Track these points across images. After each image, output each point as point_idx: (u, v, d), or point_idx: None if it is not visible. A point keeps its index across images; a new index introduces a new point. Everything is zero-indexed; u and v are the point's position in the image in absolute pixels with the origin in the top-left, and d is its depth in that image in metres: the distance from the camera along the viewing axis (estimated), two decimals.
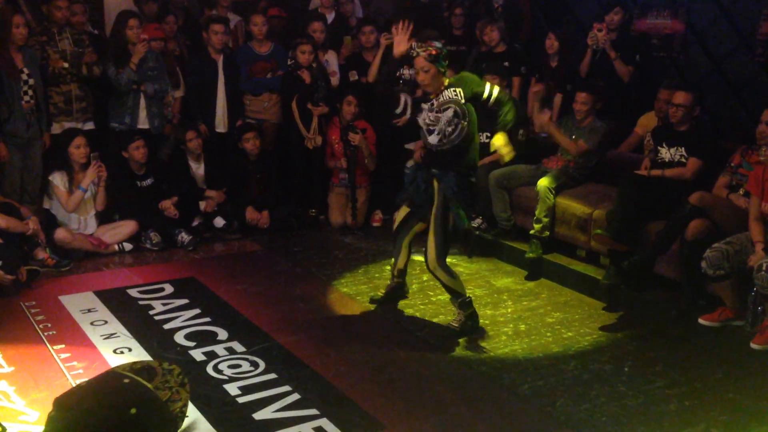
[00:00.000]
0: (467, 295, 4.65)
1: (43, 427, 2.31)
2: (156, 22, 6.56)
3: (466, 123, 4.45)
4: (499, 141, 4.61)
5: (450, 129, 4.46)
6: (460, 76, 4.60)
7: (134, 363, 1.75)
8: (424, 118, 4.55)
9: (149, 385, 1.78)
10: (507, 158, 4.67)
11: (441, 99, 4.48)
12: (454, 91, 4.47)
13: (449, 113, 4.44)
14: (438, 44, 4.47)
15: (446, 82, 4.50)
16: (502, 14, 7.31)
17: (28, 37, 5.76)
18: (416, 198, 4.64)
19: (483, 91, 4.51)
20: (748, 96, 6.18)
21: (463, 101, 4.44)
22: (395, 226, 4.88)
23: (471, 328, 4.61)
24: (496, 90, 4.55)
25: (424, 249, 4.60)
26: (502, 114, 4.61)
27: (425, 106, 4.54)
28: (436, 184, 4.55)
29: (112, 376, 1.73)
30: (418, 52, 4.43)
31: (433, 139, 4.53)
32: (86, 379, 1.54)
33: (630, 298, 5.00)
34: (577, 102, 5.79)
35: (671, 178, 5.07)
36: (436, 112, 4.49)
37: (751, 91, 6.16)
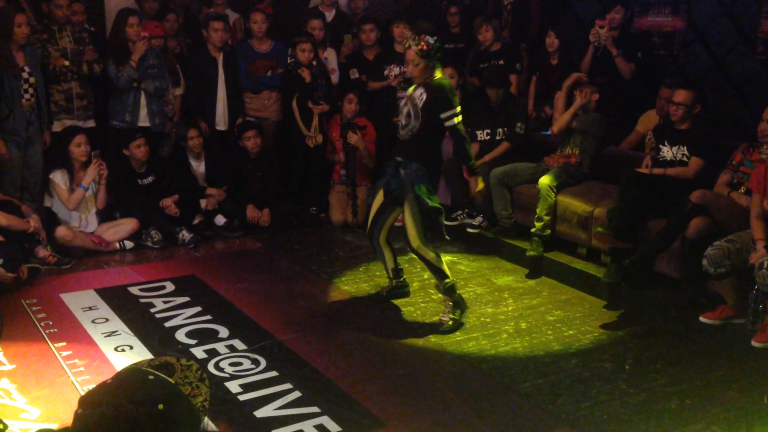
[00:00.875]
0: (451, 278, 4.67)
1: (55, 426, 2.30)
2: (156, 20, 6.55)
3: (415, 124, 4.53)
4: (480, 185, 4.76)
5: (405, 122, 4.60)
6: (439, 84, 4.53)
7: (152, 360, 1.77)
8: (401, 106, 4.71)
9: (173, 381, 1.79)
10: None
11: (417, 92, 4.56)
12: (422, 94, 4.52)
13: (405, 110, 4.58)
14: (431, 39, 4.48)
15: (436, 75, 4.53)
16: (511, 12, 7.30)
17: (29, 36, 5.75)
18: (391, 184, 4.67)
19: (446, 115, 4.48)
20: (748, 94, 6.17)
21: (419, 106, 4.50)
22: (369, 219, 4.91)
23: (461, 315, 4.64)
24: (458, 122, 4.52)
25: (404, 234, 4.64)
26: (466, 154, 4.63)
27: (414, 90, 4.62)
28: (402, 171, 4.59)
29: (136, 372, 1.74)
30: (411, 44, 4.46)
31: (400, 127, 4.66)
32: (110, 378, 1.56)
33: (631, 296, 5.00)
34: (577, 99, 5.80)
35: (672, 177, 5.07)
36: (404, 104, 4.62)
37: (752, 89, 6.15)
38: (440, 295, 4.73)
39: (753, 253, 4.24)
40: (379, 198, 4.81)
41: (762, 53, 6.08)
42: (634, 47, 6.34)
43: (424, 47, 4.43)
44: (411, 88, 4.68)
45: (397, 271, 5.07)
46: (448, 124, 4.51)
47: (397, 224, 4.87)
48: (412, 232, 4.56)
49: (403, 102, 4.68)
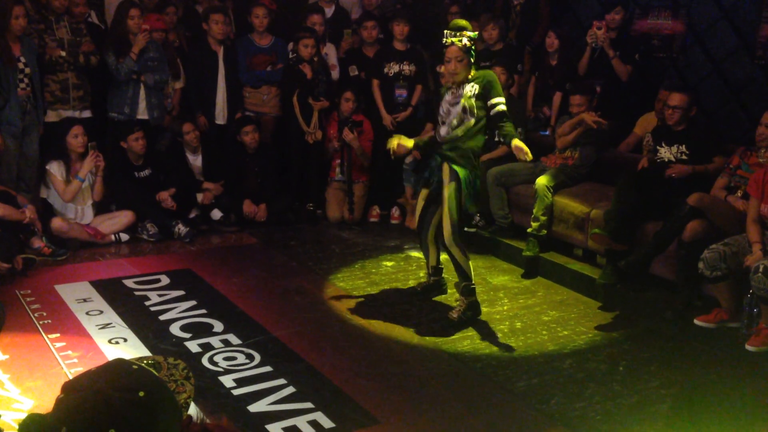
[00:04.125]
0: (474, 282, 4.68)
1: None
2: (156, 12, 6.53)
3: (472, 120, 4.51)
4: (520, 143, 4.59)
5: (455, 123, 4.54)
6: (486, 73, 4.63)
7: (140, 358, 1.77)
8: (440, 108, 4.63)
9: (157, 374, 1.79)
10: (529, 156, 4.54)
11: (460, 91, 4.53)
12: (473, 85, 4.51)
13: (458, 108, 4.51)
14: (472, 34, 4.49)
15: (472, 74, 4.53)
16: (520, 13, 7.30)
17: (26, 27, 5.73)
18: (432, 176, 4.67)
19: (495, 100, 4.51)
20: (747, 98, 6.18)
21: (473, 98, 4.48)
22: (416, 220, 4.91)
23: (471, 318, 4.64)
24: (503, 107, 4.54)
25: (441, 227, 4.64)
26: (506, 128, 4.56)
27: (447, 95, 4.60)
28: (446, 167, 4.58)
29: (121, 362, 1.74)
30: (453, 41, 4.43)
31: (442, 131, 4.61)
32: (94, 367, 1.56)
33: (626, 297, 5.00)
34: (572, 105, 5.84)
35: (670, 178, 5.06)
36: (449, 105, 4.56)
37: (751, 93, 6.16)
38: (458, 294, 4.72)
39: (749, 256, 4.25)
40: (422, 199, 4.82)
41: (761, 58, 6.09)
42: (632, 49, 6.34)
43: (468, 43, 4.43)
44: (446, 89, 4.62)
45: (437, 270, 5.08)
46: (499, 108, 4.48)
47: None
48: (448, 229, 4.56)
49: (447, 103, 4.59)
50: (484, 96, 4.50)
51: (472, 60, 4.52)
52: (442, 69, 4.78)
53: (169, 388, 1.99)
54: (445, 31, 4.53)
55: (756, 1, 6.08)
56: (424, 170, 4.78)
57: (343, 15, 7.41)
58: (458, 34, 4.45)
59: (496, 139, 6.23)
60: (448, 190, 4.57)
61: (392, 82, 6.76)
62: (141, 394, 1.74)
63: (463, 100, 4.50)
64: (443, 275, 5.15)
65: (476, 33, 4.53)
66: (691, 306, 4.68)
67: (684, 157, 5.09)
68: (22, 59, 5.69)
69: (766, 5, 6.01)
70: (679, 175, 4.97)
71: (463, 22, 4.57)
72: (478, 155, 4.72)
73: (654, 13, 6.81)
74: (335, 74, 6.98)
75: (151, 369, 1.94)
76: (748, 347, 4.25)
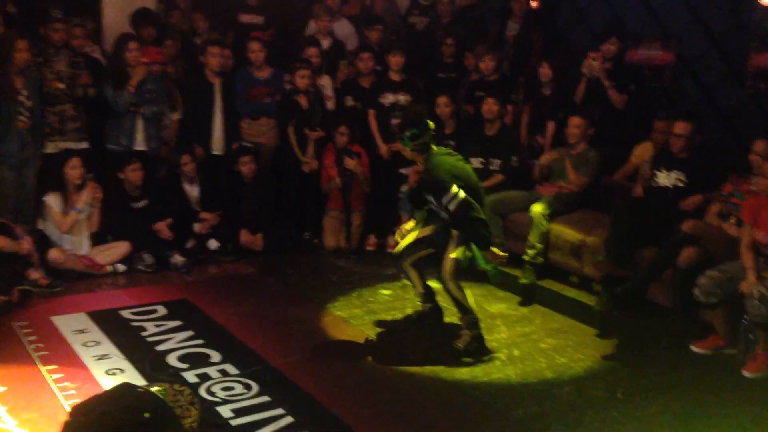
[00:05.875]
0: (476, 314, 4.68)
1: None
2: (155, 45, 6.61)
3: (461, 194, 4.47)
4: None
5: (444, 214, 4.58)
6: (431, 168, 4.57)
7: (147, 385, 1.80)
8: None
9: (162, 397, 1.82)
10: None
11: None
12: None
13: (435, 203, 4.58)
14: (414, 130, 4.54)
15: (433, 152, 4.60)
16: (513, 45, 7.40)
17: (29, 60, 5.78)
18: (438, 239, 4.73)
19: (445, 201, 4.48)
20: (738, 126, 6.27)
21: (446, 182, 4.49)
22: (399, 247, 4.90)
23: (476, 349, 4.63)
24: (453, 203, 4.46)
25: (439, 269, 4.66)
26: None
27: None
28: (455, 233, 4.63)
29: (127, 386, 1.76)
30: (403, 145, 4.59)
31: (442, 215, 4.64)
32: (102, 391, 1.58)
33: (623, 324, 5.02)
34: (570, 126, 5.89)
35: (664, 205, 5.10)
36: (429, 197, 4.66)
37: (741, 121, 6.25)
38: (462, 326, 4.71)
39: (744, 282, 4.28)
40: (409, 237, 4.85)
41: (750, 87, 6.19)
42: (628, 79, 6.43)
43: (414, 141, 4.54)
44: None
45: (427, 296, 5.02)
46: (451, 207, 4.47)
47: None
48: (447, 266, 4.58)
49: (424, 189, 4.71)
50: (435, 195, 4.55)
51: (425, 145, 4.57)
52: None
53: (174, 412, 2.01)
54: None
55: (744, 32, 6.20)
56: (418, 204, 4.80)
57: (339, 47, 7.51)
58: (402, 136, 4.57)
59: (491, 168, 6.30)
60: (456, 249, 4.58)
61: (388, 112, 6.83)
62: (146, 415, 1.77)
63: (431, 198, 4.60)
64: (435, 302, 5.11)
65: (416, 131, 4.54)
66: (688, 332, 4.69)
67: (680, 183, 5.14)
68: (24, 92, 5.73)
69: (754, 35, 6.12)
70: (694, 206, 5.01)
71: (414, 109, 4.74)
72: (485, 225, 4.64)
73: (645, 44, 6.93)
74: (330, 104, 7.05)
75: (155, 392, 1.98)
76: (744, 373, 4.27)
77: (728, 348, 4.54)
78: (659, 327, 4.88)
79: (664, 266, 4.77)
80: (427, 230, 4.84)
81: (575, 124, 5.84)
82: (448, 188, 4.45)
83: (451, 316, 4.98)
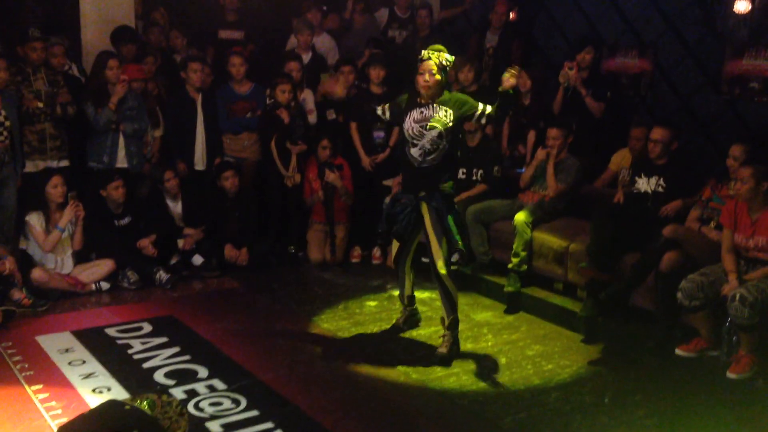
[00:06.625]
0: (457, 314, 4.76)
1: None
2: (135, 62, 6.60)
3: (446, 144, 4.55)
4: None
5: (430, 148, 4.56)
6: (455, 96, 4.68)
7: (134, 397, 1.79)
8: (408, 128, 4.61)
9: (149, 412, 1.81)
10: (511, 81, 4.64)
11: (429, 113, 4.55)
12: (445, 110, 4.56)
13: (434, 133, 4.54)
14: (449, 56, 4.58)
15: (444, 96, 4.60)
16: (492, 56, 7.47)
17: (6, 80, 5.75)
18: (399, 229, 4.73)
19: (476, 110, 4.60)
20: (715, 132, 6.37)
21: (450, 123, 4.54)
22: (392, 258, 4.96)
23: (456, 352, 4.69)
24: (490, 108, 4.62)
25: (429, 259, 4.68)
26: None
27: (414, 113, 4.59)
28: (425, 206, 4.63)
29: (113, 404, 1.75)
30: (429, 55, 4.53)
31: (414, 152, 4.60)
32: (87, 410, 1.57)
33: (608, 329, 5.06)
34: (549, 138, 5.96)
35: (645, 210, 5.16)
36: (421, 127, 4.56)
37: (718, 128, 6.35)
38: (443, 330, 4.75)
39: (725, 286, 4.34)
40: (395, 245, 4.91)
41: (726, 93, 6.30)
42: (604, 87, 6.51)
43: (444, 62, 4.53)
44: (409, 104, 4.63)
45: (411, 299, 5.15)
46: (487, 113, 4.59)
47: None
48: (440, 260, 4.60)
49: (415, 123, 4.57)
50: (461, 119, 4.59)
51: (444, 81, 4.59)
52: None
53: (162, 425, 2.01)
54: (423, 51, 4.61)
55: (719, 40, 6.32)
56: (394, 220, 4.74)
57: (319, 61, 7.55)
58: (436, 52, 4.56)
59: (474, 178, 6.35)
60: (431, 224, 4.60)
61: (370, 124, 6.86)
62: None
63: (438, 125, 4.52)
64: (416, 305, 5.22)
65: (453, 57, 4.60)
66: (672, 336, 4.75)
67: (660, 189, 5.20)
68: (2, 112, 5.70)
69: (728, 43, 6.24)
70: (673, 211, 5.07)
71: (441, 46, 4.64)
72: (453, 196, 4.80)
73: (621, 52, 7.04)
74: (313, 119, 7.07)
75: (144, 407, 1.97)
76: (729, 375, 4.32)
77: (712, 350, 4.59)
78: (644, 331, 4.93)
79: (647, 271, 4.83)
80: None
81: (552, 135, 5.91)
82: (474, 103, 4.61)
83: (427, 324, 5.14)
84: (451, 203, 4.73)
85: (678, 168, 5.24)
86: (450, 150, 4.60)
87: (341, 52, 7.70)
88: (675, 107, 6.64)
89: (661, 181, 5.19)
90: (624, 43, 7.01)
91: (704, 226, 4.90)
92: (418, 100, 4.62)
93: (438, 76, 4.52)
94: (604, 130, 6.43)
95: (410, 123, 4.60)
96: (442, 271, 4.61)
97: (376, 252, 6.85)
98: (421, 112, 4.59)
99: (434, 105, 4.58)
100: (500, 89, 4.61)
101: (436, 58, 4.52)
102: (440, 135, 4.54)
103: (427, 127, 4.55)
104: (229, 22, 7.69)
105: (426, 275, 4.93)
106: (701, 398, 4.22)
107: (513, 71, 4.62)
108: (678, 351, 4.65)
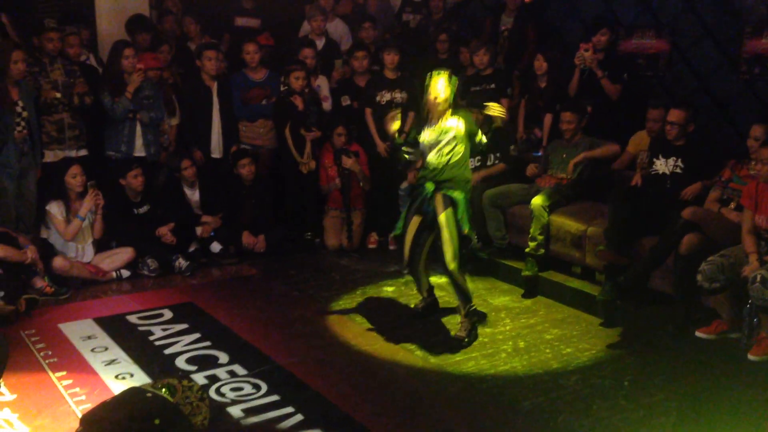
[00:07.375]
0: (474, 303, 4.83)
1: None
2: (151, 51, 6.63)
3: (462, 147, 4.76)
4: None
5: (447, 150, 4.73)
6: (464, 113, 4.89)
7: (155, 382, 1.81)
8: (425, 137, 4.82)
9: (171, 399, 1.83)
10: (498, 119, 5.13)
11: (443, 124, 4.76)
12: (458, 120, 4.77)
13: (450, 136, 4.74)
14: (454, 78, 4.82)
15: (450, 112, 4.79)
16: (507, 38, 7.42)
17: (24, 71, 5.80)
18: (425, 206, 4.81)
19: (477, 136, 4.89)
20: (734, 112, 6.30)
21: (462, 132, 4.75)
22: (406, 250, 4.95)
23: (474, 338, 4.75)
24: (484, 138, 4.96)
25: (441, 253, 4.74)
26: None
27: (424, 134, 4.83)
28: (438, 197, 4.73)
29: (135, 391, 1.78)
30: (440, 73, 4.76)
31: (432, 157, 4.77)
32: (110, 398, 1.59)
33: (626, 313, 5.05)
34: (563, 122, 5.94)
35: (663, 193, 5.13)
36: (438, 135, 4.77)
37: (737, 108, 6.27)
38: (460, 317, 4.81)
39: (746, 267, 4.31)
40: (413, 227, 4.90)
41: (745, 73, 6.22)
42: (621, 69, 6.45)
43: (452, 81, 4.78)
44: (419, 131, 4.88)
45: (430, 290, 5.26)
46: (483, 143, 4.94)
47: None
48: (449, 254, 4.68)
49: (432, 134, 4.79)
50: (469, 134, 4.80)
51: (452, 99, 4.79)
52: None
53: (184, 412, 2.03)
54: (432, 72, 4.82)
55: (737, 18, 6.23)
56: (415, 198, 4.90)
57: (333, 47, 7.53)
58: (444, 71, 4.79)
59: (489, 162, 6.33)
60: (445, 216, 4.68)
61: (384, 110, 6.84)
62: (156, 421, 1.80)
63: (454, 131, 4.74)
64: (434, 295, 5.27)
65: (456, 79, 4.85)
66: (691, 318, 4.72)
67: (678, 170, 5.16)
68: (20, 103, 5.75)
69: (746, 22, 6.15)
70: (693, 194, 5.04)
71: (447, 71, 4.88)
72: (469, 182, 4.90)
73: (638, 33, 6.95)
74: (327, 105, 7.07)
75: (165, 394, 1.99)
76: (750, 357, 4.30)
77: (733, 332, 4.56)
78: (663, 314, 4.90)
79: (666, 254, 4.80)
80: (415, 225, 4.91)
81: (567, 119, 5.89)
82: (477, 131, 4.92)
83: (445, 310, 5.19)
84: (467, 190, 4.85)
85: (696, 148, 5.20)
86: (465, 151, 4.81)
87: (354, 38, 7.68)
88: (693, 87, 6.57)
89: (680, 162, 5.15)
90: (641, 23, 6.92)
91: (724, 208, 4.86)
92: (430, 118, 4.85)
93: (446, 95, 4.75)
94: (621, 112, 6.38)
95: (427, 134, 4.83)
96: (451, 266, 4.69)
97: (393, 238, 6.85)
98: (432, 130, 4.80)
99: (444, 121, 4.78)
100: (493, 126, 5.17)
101: (446, 76, 4.76)
102: (455, 137, 4.75)
103: (443, 132, 4.76)
104: (246, 10, 7.68)
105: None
106: (722, 381, 4.21)
107: (496, 106, 5.03)
108: (698, 333, 4.63)
